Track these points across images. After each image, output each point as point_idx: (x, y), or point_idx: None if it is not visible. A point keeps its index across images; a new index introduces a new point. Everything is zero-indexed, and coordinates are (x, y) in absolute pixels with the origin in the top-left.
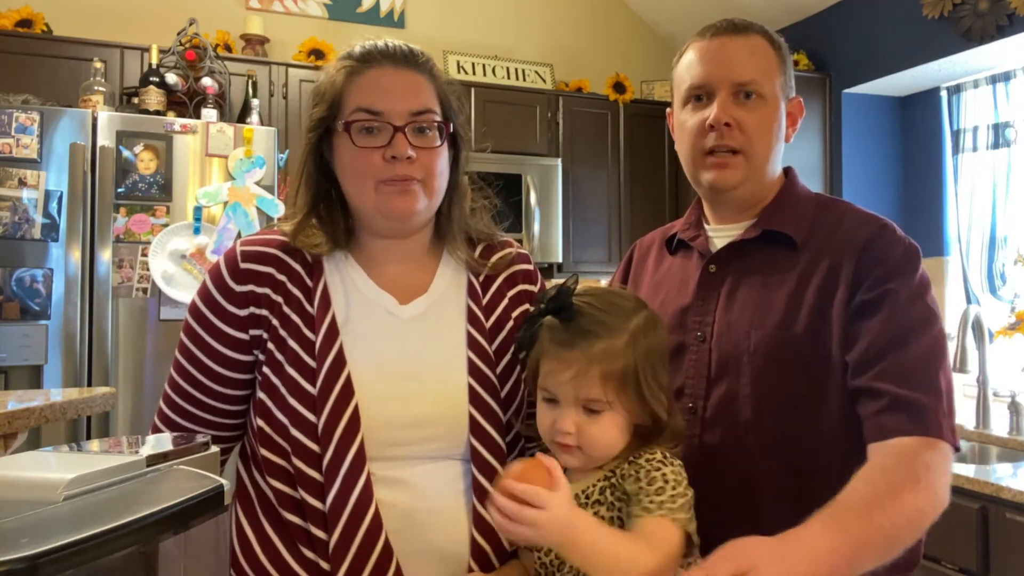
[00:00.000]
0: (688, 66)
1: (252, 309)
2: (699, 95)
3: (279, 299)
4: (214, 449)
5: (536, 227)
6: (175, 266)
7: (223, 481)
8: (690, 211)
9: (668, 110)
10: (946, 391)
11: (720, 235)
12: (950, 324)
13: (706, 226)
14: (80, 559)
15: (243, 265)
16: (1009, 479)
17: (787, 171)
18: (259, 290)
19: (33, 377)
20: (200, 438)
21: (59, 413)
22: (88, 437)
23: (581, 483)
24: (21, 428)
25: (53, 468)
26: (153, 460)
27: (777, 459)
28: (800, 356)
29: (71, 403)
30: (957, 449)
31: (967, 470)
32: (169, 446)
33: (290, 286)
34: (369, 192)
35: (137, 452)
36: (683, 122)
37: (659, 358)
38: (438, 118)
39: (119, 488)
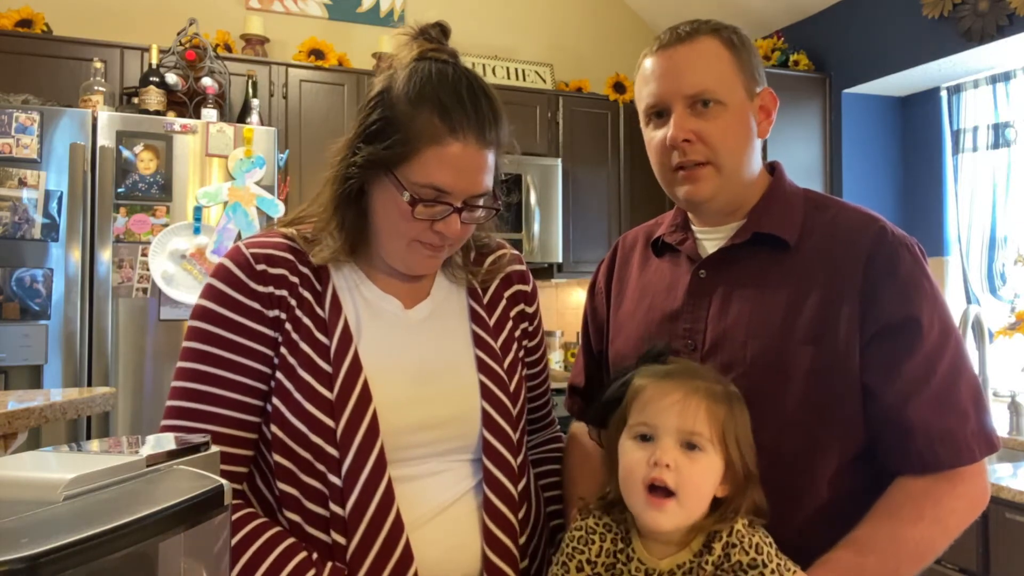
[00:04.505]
0: (642, 84)
1: (277, 312)
2: (658, 111)
3: (293, 302)
4: (214, 449)
5: (536, 227)
6: (175, 266)
7: (223, 481)
8: (675, 212)
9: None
10: (973, 403)
11: (708, 238)
12: None
13: (693, 227)
14: (80, 559)
15: (258, 267)
16: (1009, 479)
17: (773, 167)
18: (278, 292)
19: (33, 377)
20: (200, 438)
21: (59, 413)
22: (88, 437)
23: (668, 559)
24: (21, 428)
25: (53, 468)
26: (153, 460)
27: (772, 472)
28: (801, 367)
29: (71, 403)
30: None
31: None
32: (169, 446)
33: (301, 289)
34: (400, 246)
35: (137, 452)
36: (649, 140)
37: (746, 429)
38: (491, 199)
39: (119, 488)
